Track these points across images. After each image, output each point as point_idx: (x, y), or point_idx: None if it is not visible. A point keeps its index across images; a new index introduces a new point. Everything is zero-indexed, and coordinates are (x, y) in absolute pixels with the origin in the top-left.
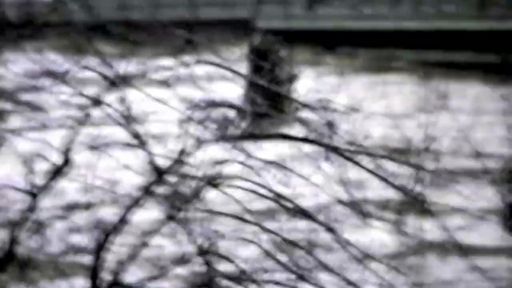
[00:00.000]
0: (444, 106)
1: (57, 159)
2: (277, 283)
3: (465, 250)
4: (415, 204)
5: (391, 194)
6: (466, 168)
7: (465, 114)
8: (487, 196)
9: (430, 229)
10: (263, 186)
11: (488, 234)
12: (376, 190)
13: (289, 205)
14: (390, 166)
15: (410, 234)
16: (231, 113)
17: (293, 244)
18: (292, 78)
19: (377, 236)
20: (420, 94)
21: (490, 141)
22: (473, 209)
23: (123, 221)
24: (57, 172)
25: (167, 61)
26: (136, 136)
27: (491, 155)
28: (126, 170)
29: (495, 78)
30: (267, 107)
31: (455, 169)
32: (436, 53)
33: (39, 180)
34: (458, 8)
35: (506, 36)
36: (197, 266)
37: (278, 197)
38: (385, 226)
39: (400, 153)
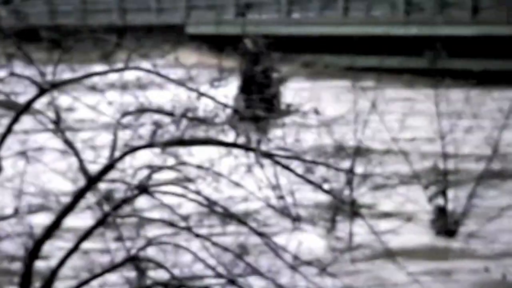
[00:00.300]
0: (374, 110)
1: None
2: None
3: (394, 253)
4: (346, 208)
5: (322, 198)
6: (396, 171)
7: (395, 117)
8: (417, 199)
9: (360, 233)
10: (194, 191)
11: (417, 237)
12: (307, 195)
13: (219, 210)
14: (321, 171)
15: (341, 238)
16: (162, 119)
17: (224, 248)
18: (281, 81)
19: (308, 240)
20: (351, 98)
21: (420, 144)
22: (402, 212)
23: (54, 227)
24: None
25: (97, 67)
26: (67, 142)
27: (421, 158)
28: (57, 176)
29: (424, 82)
30: (260, 110)
31: (385, 172)
32: (366, 58)
33: None
34: (387, 14)
35: (433, 41)
36: (128, 272)
37: (209, 202)
38: (316, 230)
39: (331, 157)
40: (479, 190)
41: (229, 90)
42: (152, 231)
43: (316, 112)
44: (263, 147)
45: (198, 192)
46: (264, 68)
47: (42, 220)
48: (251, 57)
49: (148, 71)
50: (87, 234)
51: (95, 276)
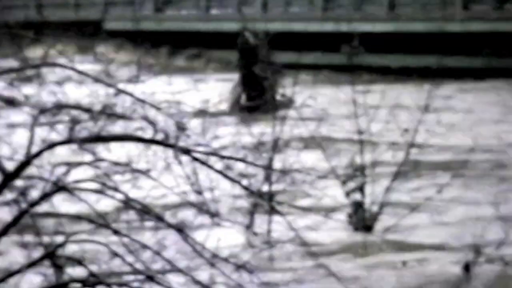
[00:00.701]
0: (291, 105)
1: None
2: (125, 284)
3: (312, 249)
4: (264, 204)
5: (240, 194)
6: (314, 167)
7: (313, 114)
8: (335, 195)
9: (278, 229)
10: (112, 188)
11: (335, 232)
12: (226, 190)
13: (138, 206)
14: (239, 166)
15: (259, 234)
16: (80, 115)
17: (143, 245)
18: (277, 74)
19: (227, 236)
20: None
21: (339, 141)
22: (321, 207)
23: None
24: None
25: (13, 63)
26: None
27: (339, 153)
28: None
29: (342, 79)
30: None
31: (303, 168)
32: (285, 54)
33: None
34: (305, 10)
35: (351, 37)
36: (46, 269)
37: (127, 199)
38: (234, 226)
39: (250, 153)
40: (396, 184)
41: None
42: (70, 228)
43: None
44: (182, 143)
45: (116, 189)
46: (262, 61)
47: None
48: (250, 51)
49: (65, 67)
50: (4, 231)
51: (12, 274)
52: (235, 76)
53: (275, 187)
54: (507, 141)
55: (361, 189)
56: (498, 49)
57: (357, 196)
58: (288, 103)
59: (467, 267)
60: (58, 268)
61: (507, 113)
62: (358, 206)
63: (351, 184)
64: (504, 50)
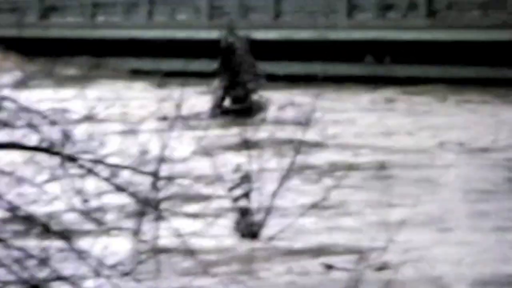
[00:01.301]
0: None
1: None
2: None
3: (198, 254)
4: (151, 211)
5: (127, 201)
6: (201, 174)
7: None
8: (221, 202)
9: (165, 235)
10: None
11: (221, 239)
12: (113, 198)
13: (23, 214)
14: (127, 174)
15: (146, 241)
16: None
17: (27, 253)
18: (258, 79)
19: (113, 243)
20: (157, 102)
21: (228, 149)
22: (208, 214)
23: None
24: None
25: None
26: None
27: (226, 160)
28: None
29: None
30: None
31: (190, 175)
32: (171, 62)
33: None
34: (190, 17)
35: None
36: None
37: (11, 207)
38: (121, 233)
39: (136, 161)
40: (282, 191)
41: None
42: None
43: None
44: (68, 151)
45: (0, 197)
46: (246, 66)
47: None
48: (233, 55)
49: None
50: None
51: None
52: (125, 85)
53: (162, 194)
54: (390, 144)
55: (247, 195)
56: (381, 57)
57: (243, 202)
58: (265, 106)
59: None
60: None
61: (385, 117)
62: (244, 213)
63: (238, 191)
64: (387, 58)
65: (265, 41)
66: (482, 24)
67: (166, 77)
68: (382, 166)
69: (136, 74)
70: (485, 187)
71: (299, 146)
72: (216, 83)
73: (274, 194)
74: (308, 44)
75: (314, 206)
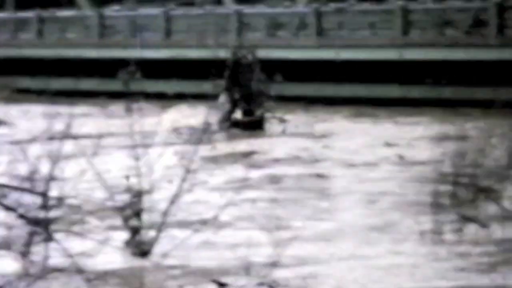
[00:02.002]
0: (69, 133)
1: None
2: None
3: (88, 274)
4: (40, 231)
5: (16, 222)
6: (92, 194)
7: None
8: (112, 221)
9: (56, 256)
10: None
11: (111, 257)
12: (1, 218)
13: None
14: (15, 195)
15: (36, 262)
16: None
17: None
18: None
19: (2, 264)
20: (46, 121)
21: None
22: (98, 233)
23: None
24: None
25: None
26: None
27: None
28: None
29: (119, 104)
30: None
31: (80, 195)
32: (61, 81)
33: None
34: (81, 36)
35: (128, 63)
36: None
37: None
38: (9, 254)
39: (26, 181)
40: (174, 209)
41: None
42: None
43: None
44: None
45: None
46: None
47: None
48: (242, 69)
49: None
50: None
51: None
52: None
53: (52, 214)
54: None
55: (138, 214)
56: (271, 75)
57: (135, 221)
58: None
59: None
60: None
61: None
62: (135, 232)
63: (128, 211)
64: (277, 76)
65: (155, 60)
66: (370, 43)
67: (55, 96)
68: (274, 180)
69: (25, 92)
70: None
71: (190, 164)
72: (222, 97)
73: (166, 213)
74: (199, 63)
75: (205, 223)
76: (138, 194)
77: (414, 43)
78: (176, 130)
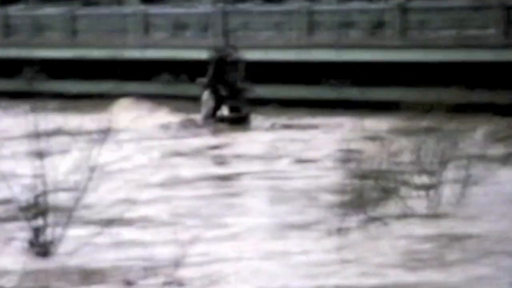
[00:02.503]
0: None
1: None
2: None
3: None
4: None
5: None
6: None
7: None
8: (16, 222)
9: None
10: None
11: (13, 259)
12: None
13: None
14: None
15: None
16: None
17: None
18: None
19: None
20: None
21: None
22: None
23: None
24: None
25: None
26: None
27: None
28: None
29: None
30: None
31: None
32: None
33: None
34: None
35: (32, 63)
36: None
37: None
38: None
39: None
40: (78, 208)
41: None
42: None
43: None
44: None
45: None
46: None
47: None
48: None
49: None
50: None
51: None
52: None
53: None
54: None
55: (43, 214)
56: (177, 75)
57: (37, 222)
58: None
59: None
60: None
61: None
62: (38, 232)
63: (32, 210)
64: (183, 76)
65: (59, 60)
66: (275, 44)
67: None
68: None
69: None
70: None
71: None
72: (206, 94)
73: (70, 212)
74: (103, 62)
75: (110, 222)
76: (43, 194)
77: (319, 44)
78: (164, 126)
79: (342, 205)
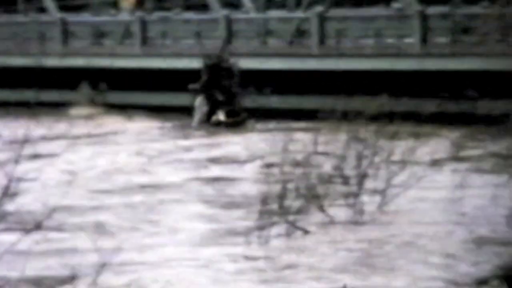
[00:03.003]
0: None
1: None
2: None
3: None
4: None
5: None
6: None
7: None
8: None
9: None
10: None
11: None
12: None
13: None
14: None
15: None
16: None
17: None
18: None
19: None
20: None
21: None
22: None
23: None
24: None
25: None
26: None
27: None
28: None
29: None
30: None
31: None
32: None
33: None
34: None
35: None
36: None
37: None
38: None
39: None
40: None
41: None
42: None
43: None
44: None
45: None
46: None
47: None
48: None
49: None
50: None
51: None
52: None
53: None
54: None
55: None
56: (96, 83)
57: None
58: None
59: None
60: None
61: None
62: None
63: None
64: (102, 84)
65: None
66: (195, 52)
67: None
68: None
69: None
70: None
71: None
72: (199, 100)
73: None
74: (22, 71)
75: (38, 226)
76: None
77: (237, 53)
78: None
79: (267, 213)
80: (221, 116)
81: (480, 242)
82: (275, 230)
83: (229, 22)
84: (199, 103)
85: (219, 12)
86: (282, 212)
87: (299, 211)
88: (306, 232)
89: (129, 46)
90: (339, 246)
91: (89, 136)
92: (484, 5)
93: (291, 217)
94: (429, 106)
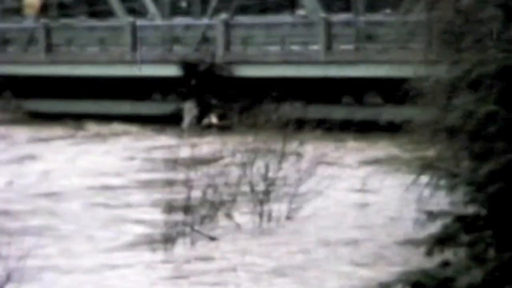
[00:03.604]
0: None
1: None
2: None
3: None
4: None
5: None
6: None
7: None
8: None
9: None
10: None
11: None
12: None
13: None
14: None
15: None
16: None
17: None
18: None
19: None
20: None
21: None
22: None
23: None
24: None
25: None
26: None
27: None
28: None
29: None
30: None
31: None
32: None
33: None
34: None
35: None
36: None
37: None
38: None
39: None
40: None
41: None
42: None
43: None
44: None
45: None
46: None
47: None
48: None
49: None
50: None
51: None
52: None
53: None
54: None
55: None
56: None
57: None
58: None
59: None
60: None
61: None
62: None
63: None
64: (7, 92)
65: None
66: (100, 59)
67: None
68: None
69: None
70: None
71: None
72: (188, 104)
73: None
74: None
75: None
76: None
77: (143, 60)
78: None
79: (173, 221)
80: (213, 119)
81: None
82: (181, 238)
83: (134, 29)
84: (188, 107)
85: (124, 19)
86: (188, 221)
87: (205, 220)
88: (212, 239)
89: (33, 54)
90: None
91: None
92: (387, 13)
93: (197, 226)
94: (337, 113)
